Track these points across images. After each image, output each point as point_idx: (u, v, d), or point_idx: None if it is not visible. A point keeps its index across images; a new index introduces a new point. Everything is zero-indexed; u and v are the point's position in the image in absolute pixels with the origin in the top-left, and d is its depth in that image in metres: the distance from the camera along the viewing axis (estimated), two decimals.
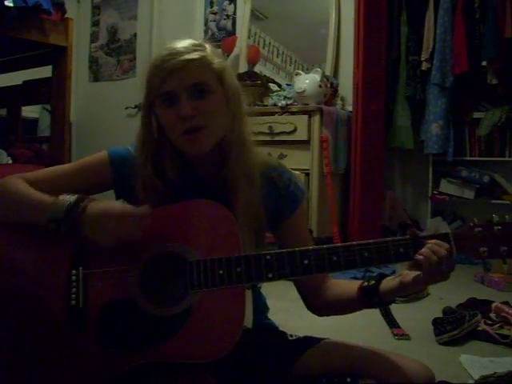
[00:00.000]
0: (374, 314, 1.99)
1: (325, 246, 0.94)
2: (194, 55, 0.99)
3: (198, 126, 0.99)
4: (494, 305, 2.02)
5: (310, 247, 0.95)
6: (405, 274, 0.96)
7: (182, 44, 1.01)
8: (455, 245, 0.92)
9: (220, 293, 0.94)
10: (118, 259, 0.97)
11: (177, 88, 0.99)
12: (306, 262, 0.93)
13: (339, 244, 0.95)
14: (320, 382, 1.00)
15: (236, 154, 1.04)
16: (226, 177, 1.04)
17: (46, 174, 1.09)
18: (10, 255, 1.01)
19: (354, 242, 0.94)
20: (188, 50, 1.00)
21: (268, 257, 0.94)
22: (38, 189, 1.02)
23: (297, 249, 0.95)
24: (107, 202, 0.97)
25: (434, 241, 0.92)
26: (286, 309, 1.85)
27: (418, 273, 0.93)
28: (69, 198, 0.96)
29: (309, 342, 1.07)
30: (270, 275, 0.93)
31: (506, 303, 2.04)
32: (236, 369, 0.99)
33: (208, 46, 1.04)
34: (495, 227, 0.92)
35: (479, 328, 1.90)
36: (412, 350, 1.78)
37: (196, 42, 1.03)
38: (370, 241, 0.93)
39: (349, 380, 0.98)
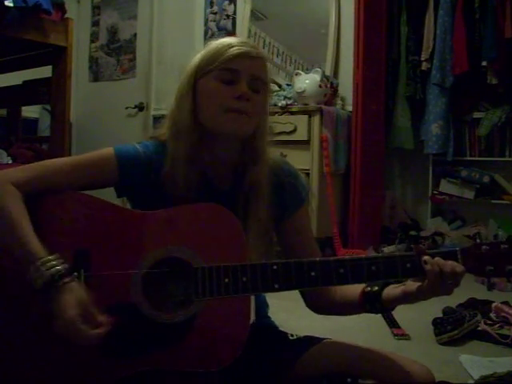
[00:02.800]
0: (374, 314, 1.98)
1: (332, 259, 0.94)
2: (264, 55, 1.07)
3: (247, 111, 1.01)
4: (494, 305, 2.03)
5: (317, 259, 0.95)
6: (409, 284, 0.96)
7: (252, 43, 1.10)
8: (461, 262, 0.93)
9: (225, 300, 0.92)
10: (121, 262, 0.95)
11: (244, 70, 1.01)
12: (313, 274, 0.93)
13: (347, 257, 0.95)
14: (320, 382, 1.00)
15: (260, 162, 1.05)
16: (250, 186, 1.04)
17: (42, 171, 1.01)
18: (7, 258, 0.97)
19: (362, 256, 0.95)
20: (258, 50, 1.06)
21: (275, 267, 0.93)
22: (33, 190, 0.97)
23: (304, 260, 0.94)
24: (77, 294, 0.87)
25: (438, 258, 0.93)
26: (286, 308, 1.84)
27: (422, 283, 0.93)
28: (56, 270, 0.87)
29: (309, 341, 1.07)
30: (277, 286, 0.92)
31: (505, 303, 2.04)
32: (236, 369, 0.99)
33: None
34: (502, 246, 0.93)
35: (479, 328, 1.90)
36: (412, 350, 1.78)
37: None
38: (378, 255, 0.95)
39: (349, 380, 0.98)
